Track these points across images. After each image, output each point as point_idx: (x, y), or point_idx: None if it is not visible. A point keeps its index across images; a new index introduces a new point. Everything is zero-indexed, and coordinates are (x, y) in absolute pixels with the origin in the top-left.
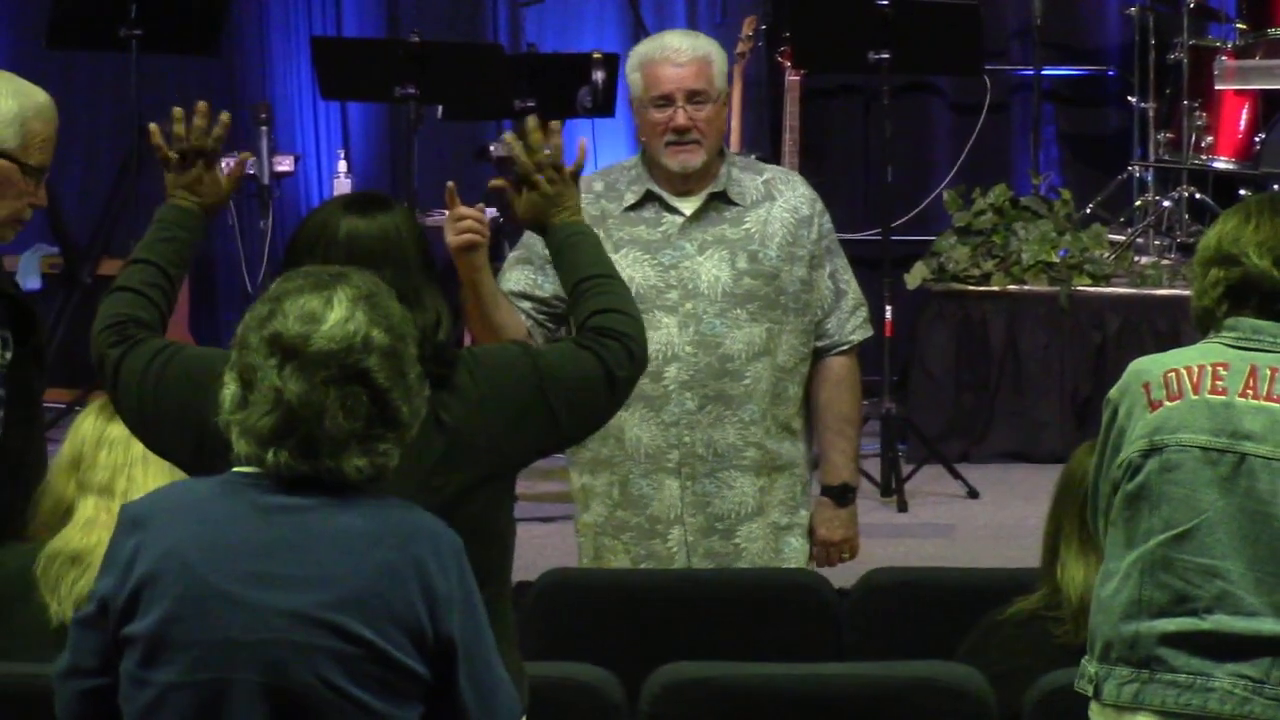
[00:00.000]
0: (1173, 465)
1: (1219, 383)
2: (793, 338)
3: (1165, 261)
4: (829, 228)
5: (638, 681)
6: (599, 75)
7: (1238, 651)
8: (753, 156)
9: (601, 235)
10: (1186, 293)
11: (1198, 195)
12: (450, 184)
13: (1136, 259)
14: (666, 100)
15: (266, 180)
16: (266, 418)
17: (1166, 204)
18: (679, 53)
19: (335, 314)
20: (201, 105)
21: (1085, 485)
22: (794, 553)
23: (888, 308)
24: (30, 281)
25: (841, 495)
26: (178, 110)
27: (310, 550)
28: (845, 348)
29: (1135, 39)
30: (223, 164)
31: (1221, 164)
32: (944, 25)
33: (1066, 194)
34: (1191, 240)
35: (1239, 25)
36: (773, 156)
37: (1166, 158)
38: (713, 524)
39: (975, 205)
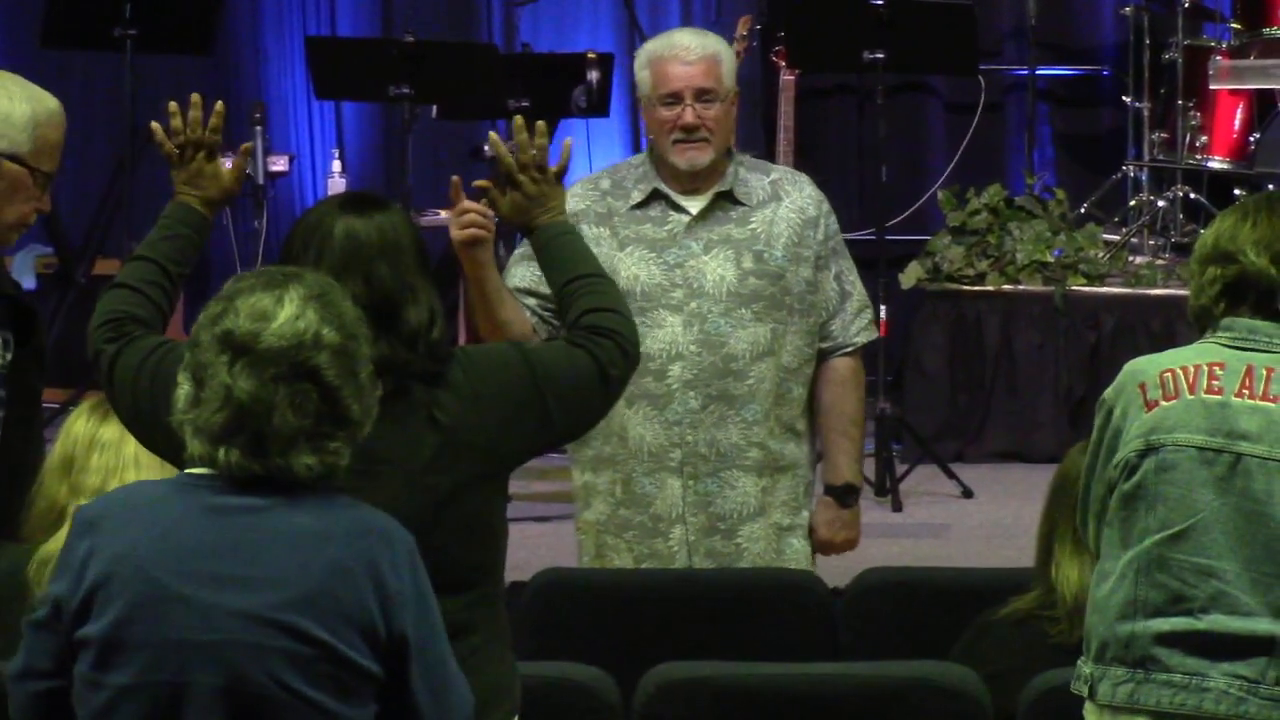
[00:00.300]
0: (1169, 465)
1: (1215, 382)
2: (797, 338)
3: (1160, 261)
4: (835, 229)
5: (632, 681)
6: (593, 75)
7: (1233, 651)
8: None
9: (607, 233)
10: (1181, 293)
11: (1192, 195)
12: (455, 178)
13: (1131, 259)
14: (675, 98)
15: (261, 180)
16: (217, 415)
17: (1161, 204)
18: (688, 51)
19: (286, 312)
20: (195, 97)
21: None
22: (796, 554)
23: (882, 308)
24: (24, 282)
25: (845, 495)
26: (173, 104)
27: (262, 550)
28: (850, 349)
29: (1130, 39)
30: (224, 162)
31: (1216, 164)
32: (939, 25)
33: (1061, 194)
34: (1186, 240)
35: (1234, 25)
36: (767, 156)
37: (1161, 158)
38: (714, 524)
39: (970, 205)
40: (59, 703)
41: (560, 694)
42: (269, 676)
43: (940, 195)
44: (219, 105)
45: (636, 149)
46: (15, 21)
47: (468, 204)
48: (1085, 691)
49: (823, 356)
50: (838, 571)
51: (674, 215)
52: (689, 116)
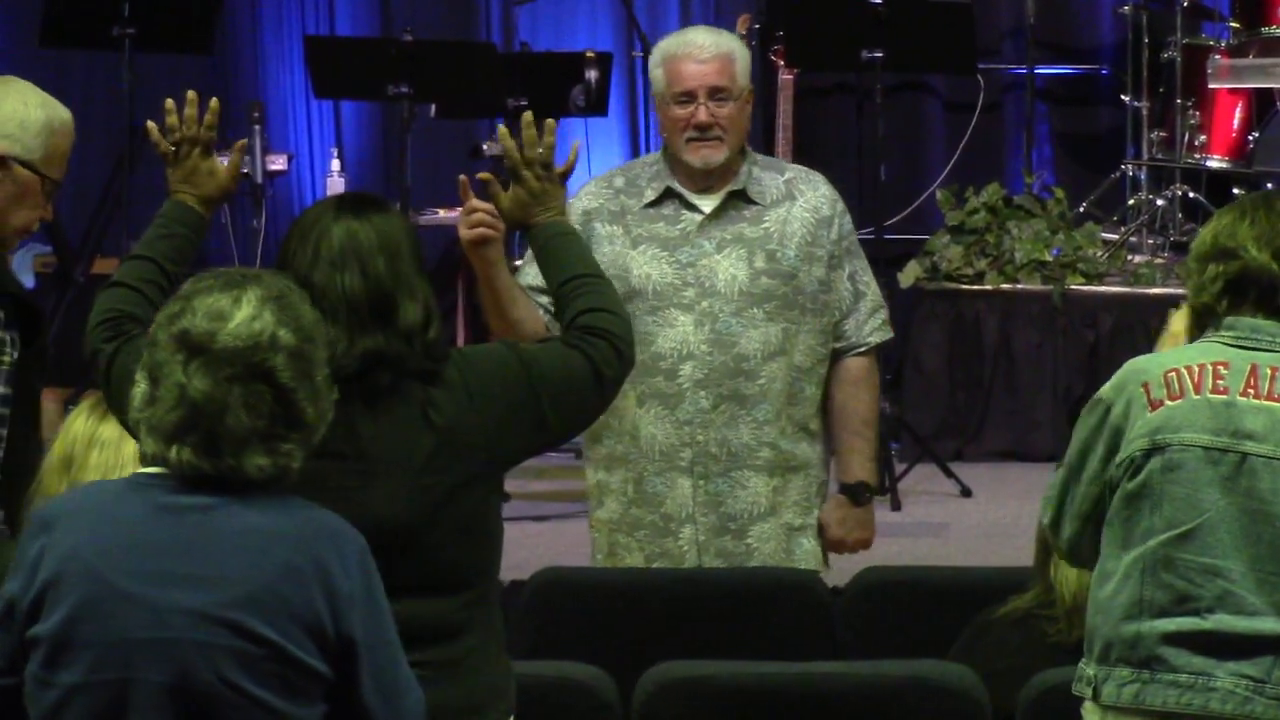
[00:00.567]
0: (1175, 465)
1: (1220, 382)
2: (810, 338)
3: (1159, 260)
4: (850, 229)
5: (631, 680)
6: (592, 74)
7: (1239, 651)
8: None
9: (620, 231)
10: (1180, 291)
11: (1191, 194)
12: (462, 178)
13: (1130, 258)
14: (689, 96)
15: (260, 179)
16: (171, 414)
17: (1160, 203)
18: (702, 49)
19: (242, 312)
20: (191, 94)
21: None
22: (806, 554)
23: None
24: (23, 281)
25: (859, 493)
26: (169, 102)
27: (211, 549)
28: (863, 349)
29: (1129, 38)
30: (219, 160)
31: (1215, 163)
32: (937, 24)
33: (1060, 193)
34: (1185, 239)
35: (1232, 24)
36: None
37: (1160, 156)
38: (725, 523)
39: (968, 204)
40: (11, 701)
41: (559, 693)
42: (216, 675)
43: (939, 194)
44: (214, 102)
45: (635, 148)
46: (13, 20)
47: (476, 203)
48: (1088, 693)
49: (836, 356)
50: (837, 571)
51: (687, 214)
52: (702, 115)
